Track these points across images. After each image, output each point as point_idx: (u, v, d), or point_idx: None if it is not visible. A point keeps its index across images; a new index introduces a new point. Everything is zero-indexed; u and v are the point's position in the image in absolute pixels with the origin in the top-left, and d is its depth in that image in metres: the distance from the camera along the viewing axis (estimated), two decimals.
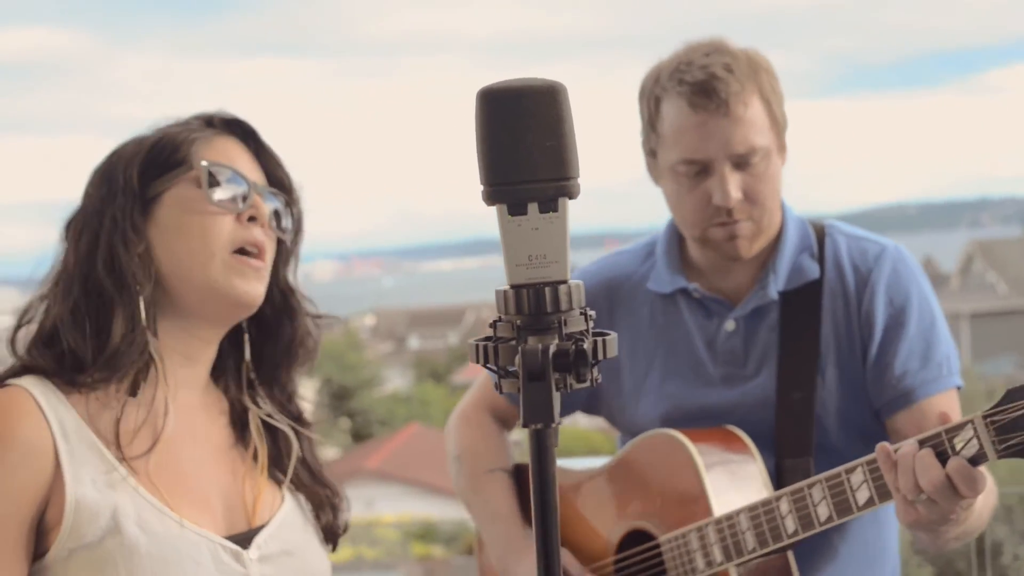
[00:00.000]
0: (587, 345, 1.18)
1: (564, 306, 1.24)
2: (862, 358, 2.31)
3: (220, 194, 1.85)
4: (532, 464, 1.16)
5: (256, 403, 1.96)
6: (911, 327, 2.30)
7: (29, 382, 1.78)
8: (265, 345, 1.96)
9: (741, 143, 2.24)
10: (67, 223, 1.88)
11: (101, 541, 1.71)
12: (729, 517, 2.18)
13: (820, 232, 2.41)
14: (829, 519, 2.06)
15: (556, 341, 1.19)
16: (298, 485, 1.98)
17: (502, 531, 2.45)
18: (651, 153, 2.35)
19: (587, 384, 1.20)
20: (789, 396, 2.30)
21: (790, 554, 2.21)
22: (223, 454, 1.91)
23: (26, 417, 1.73)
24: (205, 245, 1.83)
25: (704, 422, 2.35)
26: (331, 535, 1.99)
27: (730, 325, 2.37)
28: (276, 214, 1.92)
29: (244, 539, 1.85)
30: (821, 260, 2.36)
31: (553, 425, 1.17)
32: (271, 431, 1.96)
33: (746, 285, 2.38)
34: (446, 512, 21.49)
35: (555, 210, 1.25)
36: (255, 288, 1.87)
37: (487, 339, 1.26)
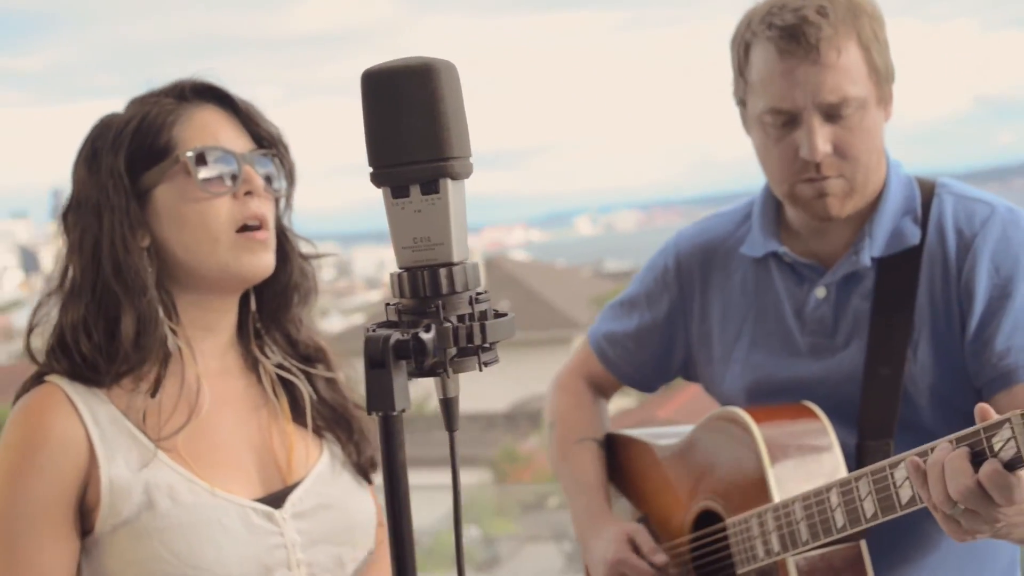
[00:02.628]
0: (428, 335, 1.17)
1: (445, 290, 1.24)
2: (961, 332, 2.12)
3: (211, 179, 1.89)
4: (381, 450, 1.17)
5: (265, 354, 2.01)
6: (1018, 297, 2.09)
7: (59, 378, 1.89)
8: (264, 292, 2.00)
9: (831, 92, 2.09)
10: (64, 215, 1.94)
11: (137, 516, 1.82)
12: (785, 505, 2.07)
13: (928, 193, 2.23)
14: (875, 516, 1.90)
15: (396, 330, 1.18)
16: (325, 428, 2.02)
17: (584, 503, 2.44)
18: (741, 103, 2.24)
19: (428, 375, 1.20)
20: (877, 372, 2.15)
21: (863, 544, 2.09)
22: (253, 414, 1.98)
23: (58, 411, 1.85)
24: (207, 231, 1.89)
25: (788, 395, 2.24)
26: (362, 472, 2.03)
27: (820, 292, 2.23)
28: (269, 172, 1.96)
29: (279, 498, 1.92)
30: (925, 224, 2.19)
31: (396, 412, 1.17)
32: (288, 382, 2.01)
33: (841, 249, 2.24)
34: None
35: (436, 192, 1.24)
36: (265, 260, 1.92)
37: (381, 323, 1.27)
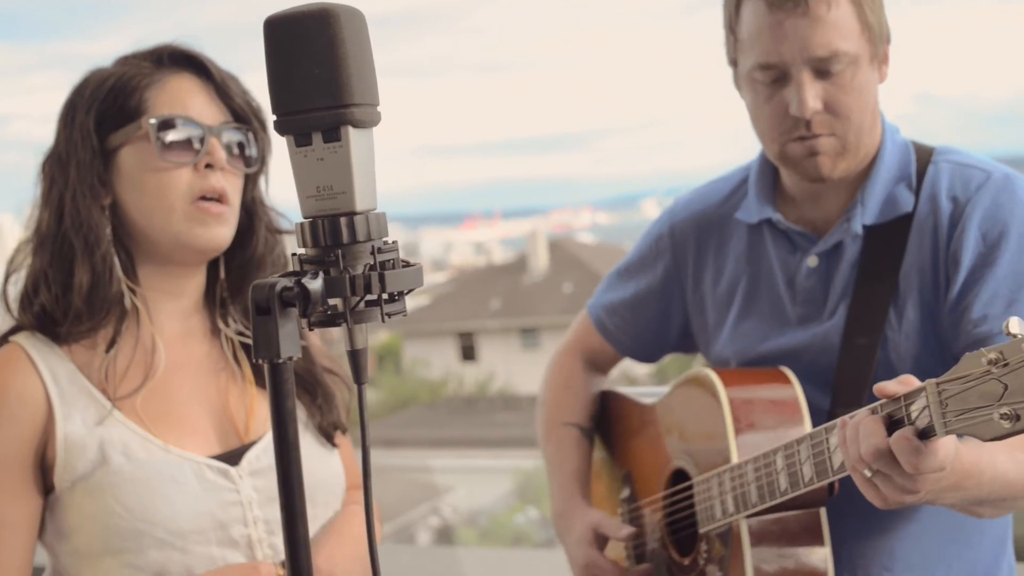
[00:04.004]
0: (314, 283, 1.16)
1: (346, 239, 1.23)
2: (946, 298, 2.08)
3: (172, 148, 1.90)
4: (269, 397, 1.16)
5: (227, 322, 2.03)
6: (1002, 266, 2.03)
7: (23, 337, 1.93)
8: (230, 263, 2.03)
9: (821, 46, 2.05)
10: (42, 163, 1.97)
11: (92, 472, 1.85)
12: (740, 467, 2.07)
13: (925, 159, 2.19)
14: (811, 480, 1.89)
15: (282, 277, 1.17)
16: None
17: (560, 493, 2.47)
18: (733, 62, 2.20)
19: (329, 326, 1.19)
20: (854, 341, 2.12)
21: (822, 512, 2.07)
22: (213, 377, 2.01)
23: (17, 370, 1.88)
24: (163, 200, 1.91)
25: (771, 364, 2.22)
26: (325, 434, 2.04)
27: (812, 261, 2.20)
28: (240, 146, 1.96)
29: (236, 456, 1.93)
30: (919, 191, 2.15)
31: (282, 360, 1.16)
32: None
33: (835, 217, 2.20)
34: None
35: (338, 139, 1.23)
36: (218, 233, 1.94)
37: (284, 273, 1.26)
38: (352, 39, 1.23)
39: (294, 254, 1.26)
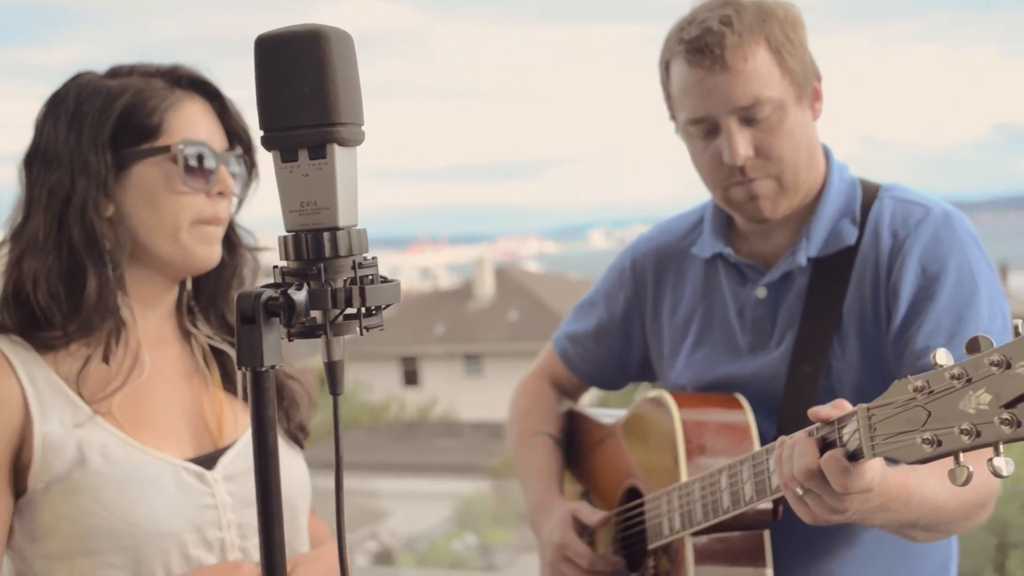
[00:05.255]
0: (299, 294, 1.20)
1: (328, 253, 1.27)
2: (887, 331, 2.17)
3: (193, 173, 1.96)
4: (250, 405, 1.20)
5: (196, 326, 2.09)
6: (942, 299, 2.12)
7: (3, 340, 1.94)
8: (205, 276, 2.09)
9: (742, 96, 2.16)
10: (27, 162, 1.98)
11: (70, 472, 1.87)
12: (688, 485, 2.14)
13: (871, 195, 2.28)
14: (751, 499, 1.97)
15: (268, 288, 1.21)
16: None
17: (536, 488, 2.54)
18: (672, 118, 2.32)
19: (309, 337, 1.23)
20: (800, 369, 2.21)
21: (766, 534, 2.15)
22: (186, 381, 2.05)
23: None
24: (173, 220, 1.97)
25: (723, 392, 2.30)
26: (292, 436, 2.10)
27: (761, 292, 2.30)
28: (235, 171, 2.03)
29: (210, 460, 1.97)
30: (863, 226, 2.24)
31: (264, 368, 1.19)
32: (220, 352, 2.09)
33: (782, 250, 2.30)
34: None
35: (324, 157, 1.27)
36: (215, 251, 2.03)
37: (265, 284, 1.29)
38: (341, 60, 1.27)
39: (276, 266, 1.30)
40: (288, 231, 1.29)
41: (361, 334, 1.28)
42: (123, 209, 1.96)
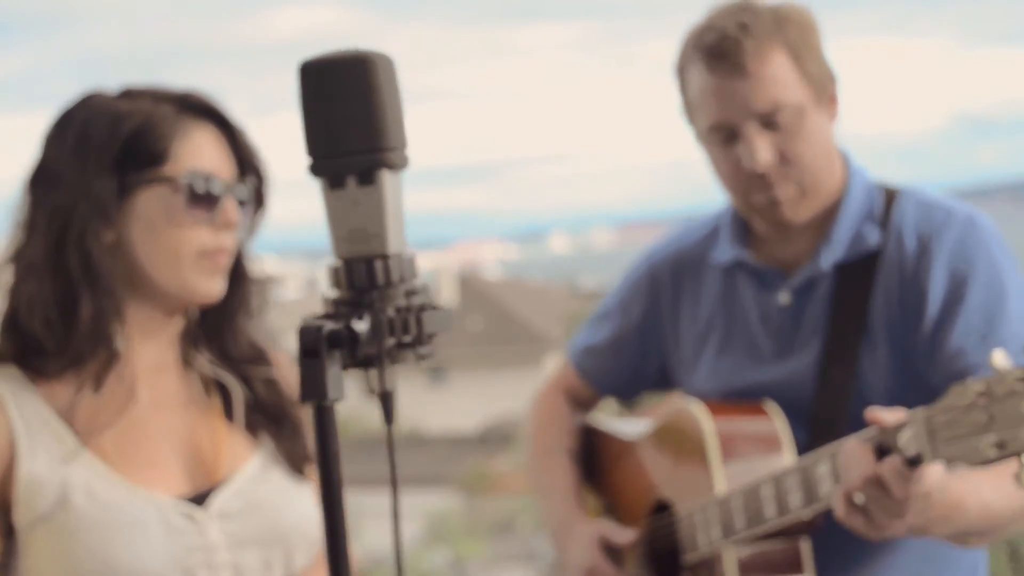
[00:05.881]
0: (362, 325, 1.20)
1: (381, 281, 1.27)
2: (915, 335, 2.20)
3: (197, 203, 1.92)
4: (315, 439, 1.20)
5: (198, 357, 2.04)
6: (972, 300, 2.16)
7: None
8: (213, 306, 2.03)
9: (762, 101, 2.18)
10: (31, 182, 1.95)
11: (53, 513, 1.85)
12: (726, 496, 2.17)
13: (891, 199, 2.31)
14: (799, 508, 2.00)
15: (330, 320, 1.21)
16: (258, 425, 2.03)
17: (558, 507, 2.54)
18: (690, 124, 2.34)
19: (363, 367, 1.23)
20: (829, 374, 2.23)
21: (806, 542, 2.17)
22: (184, 411, 2.00)
23: None
24: (176, 250, 1.93)
25: (750, 399, 2.32)
26: (296, 466, 2.03)
27: (783, 298, 2.32)
28: (243, 201, 1.99)
29: (205, 496, 1.93)
30: (885, 229, 2.27)
31: (329, 401, 1.19)
32: (223, 384, 2.05)
33: (803, 255, 2.31)
34: None
35: (372, 183, 1.28)
36: (219, 284, 1.97)
37: (318, 315, 1.29)
38: (387, 84, 1.28)
39: (325, 297, 1.29)
40: (338, 259, 1.29)
41: (417, 362, 1.28)
42: (125, 237, 1.93)
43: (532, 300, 40.88)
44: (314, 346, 1.19)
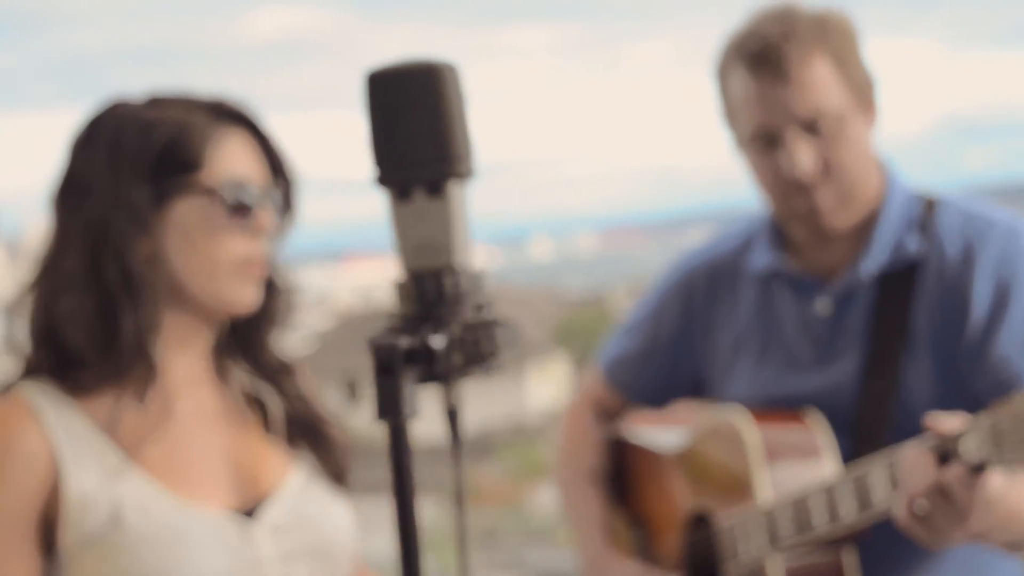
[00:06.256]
0: (438, 341, 1.18)
1: (451, 296, 1.25)
2: (959, 342, 2.21)
3: (236, 215, 1.90)
4: (390, 456, 1.18)
5: (232, 371, 2.02)
6: (1017, 308, 2.18)
7: (29, 387, 1.88)
8: (246, 317, 2.00)
9: (805, 107, 2.19)
10: (59, 198, 1.92)
11: (105, 532, 1.82)
12: (770, 507, 2.17)
13: (931, 207, 2.32)
14: (850, 517, 2.02)
15: (406, 336, 1.20)
16: (300, 439, 2.02)
17: (591, 540, 2.56)
18: (730, 129, 2.35)
19: (432, 383, 1.22)
20: (871, 383, 2.24)
21: (846, 556, 2.18)
22: (224, 425, 1.98)
23: (19, 426, 1.84)
24: (214, 261, 1.90)
25: (790, 408, 2.33)
26: (335, 479, 2.02)
27: (821, 306, 2.32)
28: (276, 207, 1.98)
29: (253, 510, 1.91)
30: (926, 238, 2.28)
31: (405, 419, 1.18)
32: (256, 396, 2.03)
33: (842, 263, 2.32)
34: None
35: (441, 193, 1.26)
36: (255, 294, 1.94)
37: (387, 330, 1.28)
38: (455, 93, 1.27)
39: (391, 311, 1.28)
40: (405, 273, 1.28)
41: (487, 375, 1.27)
42: (160, 247, 1.90)
43: (515, 306, 40.85)
44: (390, 363, 1.17)
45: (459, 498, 1.28)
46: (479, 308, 1.27)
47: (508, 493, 28.38)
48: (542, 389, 38.69)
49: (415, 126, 1.25)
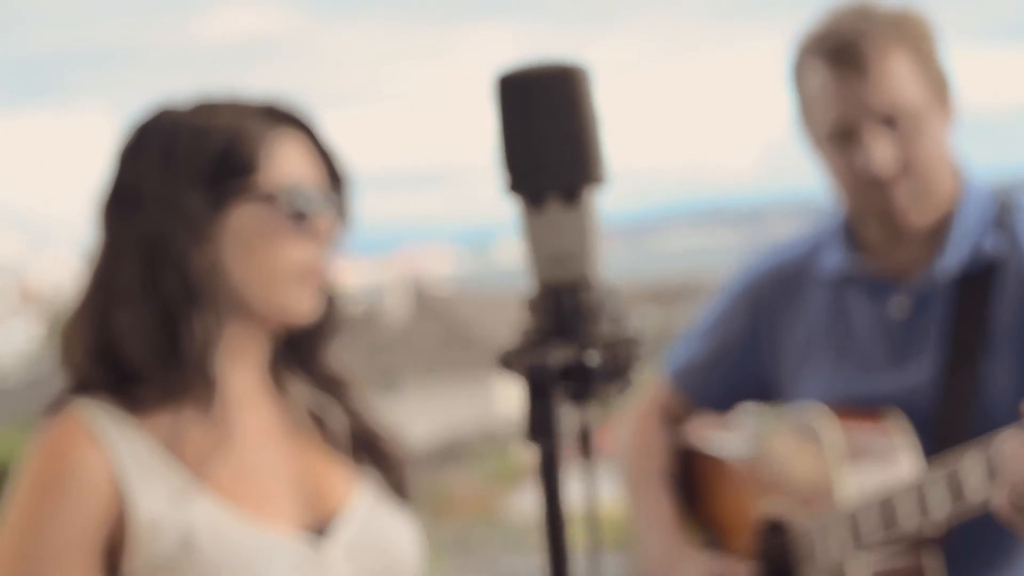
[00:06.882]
0: (595, 360, 1.15)
1: (590, 310, 1.22)
2: None
3: (297, 219, 1.87)
4: (542, 483, 1.14)
5: (291, 386, 1.98)
6: None
7: (86, 405, 1.83)
8: (303, 328, 1.96)
9: (882, 102, 2.21)
10: (109, 209, 1.88)
11: (175, 557, 1.78)
12: (851, 508, 2.18)
13: (1008, 206, 2.33)
14: (942, 514, 2.03)
15: (560, 354, 1.16)
16: (363, 454, 1.98)
17: (662, 536, 2.54)
18: (805, 127, 2.35)
19: (588, 401, 1.18)
20: (952, 385, 2.25)
21: (930, 559, 2.18)
22: (284, 441, 1.94)
23: (79, 447, 1.79)
24: (274, 269, 1.86)
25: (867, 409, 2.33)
26: (399, 495, 1.99)
27: (898, 307, 2.31)
28: (335, 214, 1.94)
29: (324, 532, 1.88)
30: (1004, 237, 2.29)
31: (557, 441, 1.14)
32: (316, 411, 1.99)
33: (917, 264, 2.32)
34: None
35: (576, 200, 1.23)
36: (315, 302, 1.90)
37: (518, 345, 1.24)
38: (591, 96, 1.23)
39: (523, 326, 1.24)
40: (540, 285, 1.24)
41: (625, 391, 1.23)
42: (219, 255, 1.85)
43: (484, 310, 40.83)
44: (544, 383, 1.13)
45: (593, 520, 1.25)
46: (616, 322, 1.23)
47: (480, 500, 28.38)
48: (512, 394, 38.69)
49: (550, 130, 1.22)
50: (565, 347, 1.18)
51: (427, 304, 43.60)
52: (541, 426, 1.14)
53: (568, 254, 1.23)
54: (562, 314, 1.21)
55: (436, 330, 41.15)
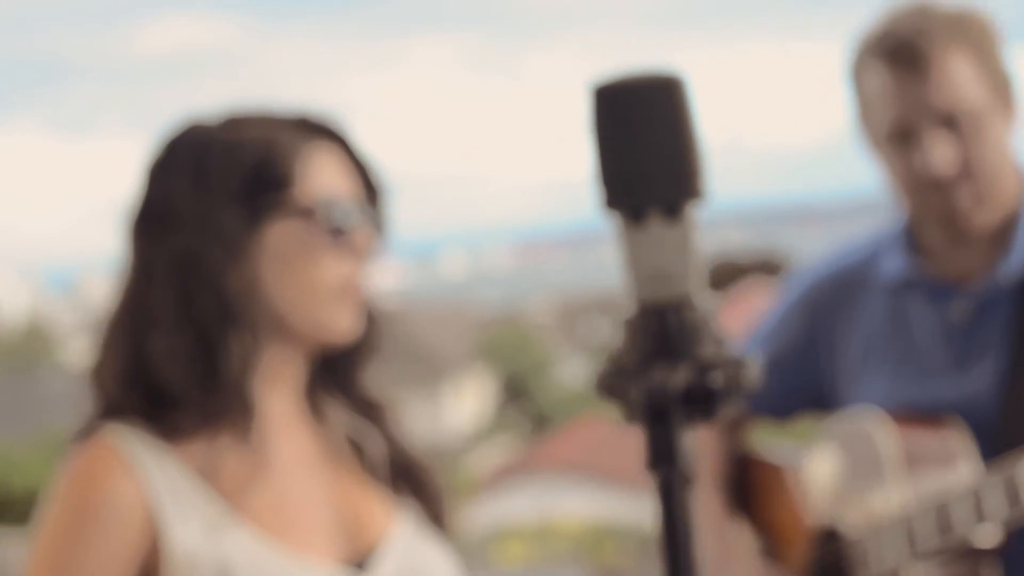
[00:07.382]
0: (718, 381, 1.11)
1: (691, 330, 1.18)
2: None
3: (336, 235, 1.82)
4: (663, 514, 1.10)
5: (328, 411, 1.93)
6: None
7: (118, 431, 1.77)
8: (341, 350, 1.91)
9: (943, 103, 2.20)
10: (139, 228, 1.83)
11: None
12: (909, 515, 2.18)
13: None
14: (999, 519, 2.06)
15: (681, 375, 1.12)
16: (400, 482, 1.94)
17: (706, 538, 2.52)
18: (863, 129, 2.34)
19: (707, 424, 1.14)
20: (1014, 390, 2.25)
21: (988, 570, 2.18)
22: (323, 468, 1.89)
23: (111, 478, 1.74)
24: (313, 285, 1.82)
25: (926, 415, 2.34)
26: (441, 523, 1.95)
27: (959, 312, 2.31)
28: (374, 228, 1.90)
29: (363, 565, 1.83)
30: None
31: (681, 470, 1.10)
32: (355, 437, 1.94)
33: (978, 269, 2.32)
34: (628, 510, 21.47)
35: (678, 215, 1.19)
36: (356, 320, 1.85)
37: (615, 368, 1.19)
38: (690, 107, 1.19)
39: (619, 349, 1.20)
40: (640, 305, 1.19)
41: (734, 415, 1.20)
42: (255, 274, 1.80)
43: (428, 324, 40.75)
44: (666, 407, 1.09)
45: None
46: (719, 342, 1.19)
47: None
48: (460, 408, 38.60)
49: (650, 143, 1.17)
50: (677, 370, 1.14)
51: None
52: (663, 453, 1.09)
53: (670, 272, 1.18)
54: (667, 335, 1.17)
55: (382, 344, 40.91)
